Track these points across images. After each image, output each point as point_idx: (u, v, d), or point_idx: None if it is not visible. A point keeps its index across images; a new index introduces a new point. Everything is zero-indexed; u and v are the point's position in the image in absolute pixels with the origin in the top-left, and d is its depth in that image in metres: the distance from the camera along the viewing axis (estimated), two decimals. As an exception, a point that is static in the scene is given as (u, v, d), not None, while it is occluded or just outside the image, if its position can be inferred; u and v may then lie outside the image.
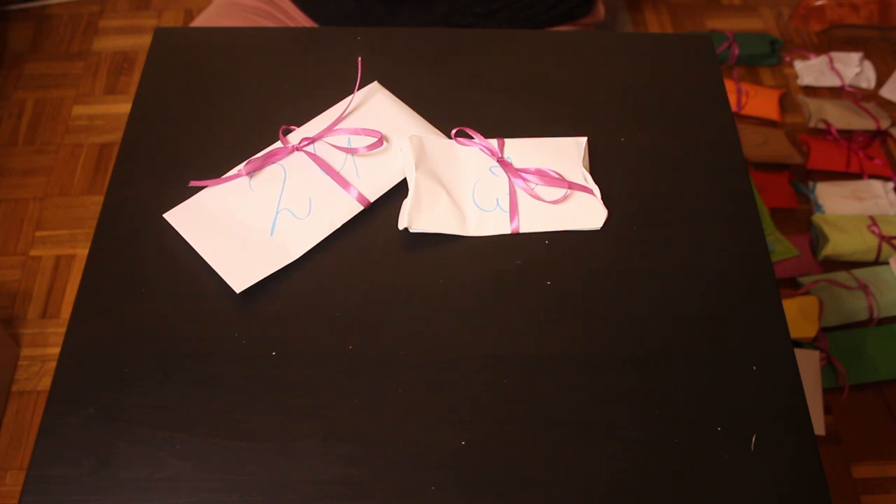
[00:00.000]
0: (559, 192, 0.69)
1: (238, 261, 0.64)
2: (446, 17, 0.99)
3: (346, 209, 0.68)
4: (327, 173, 0.69)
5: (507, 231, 0.68)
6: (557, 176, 0.70)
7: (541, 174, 0.70)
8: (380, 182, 0.70)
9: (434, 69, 0.72)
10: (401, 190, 0.70)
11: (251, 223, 0.67)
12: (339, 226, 0.67)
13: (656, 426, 0.58)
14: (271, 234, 0.66)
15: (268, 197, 0.68)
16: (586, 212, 0.69)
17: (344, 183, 0.69)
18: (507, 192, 0.69)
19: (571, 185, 0.69)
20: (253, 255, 0.65)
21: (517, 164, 0.71)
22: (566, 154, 0.72)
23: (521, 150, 0.72)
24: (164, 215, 0.67)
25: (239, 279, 0.63)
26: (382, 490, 0.55)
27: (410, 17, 1.00)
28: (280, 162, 0.70)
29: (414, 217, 0.66)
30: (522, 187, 0.69)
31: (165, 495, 0.54)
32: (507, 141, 0.72)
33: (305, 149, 0.70)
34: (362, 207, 0.68)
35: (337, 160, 0.70)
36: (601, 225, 0.68)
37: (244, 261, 0.64)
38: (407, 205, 0.67)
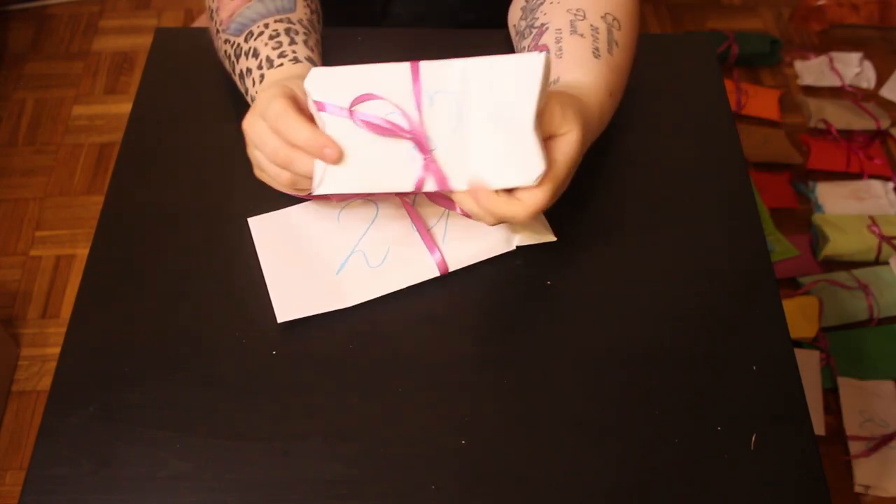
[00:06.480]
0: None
1: (294, 290, 0.62)
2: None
3: (422, 271, 0.63)
4: (417, 229, 0.64)
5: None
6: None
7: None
8: (465, 253, 0.64)
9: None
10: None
11: (324, 256, 0.64)
12: (405, 287, 0.63)
13: (656, 426, 0.58)
14: (337, 274, 0.63)
15: (349, 233, 0.65)
16: (514, 161, 0.54)
17: (430, 243, 0.64)
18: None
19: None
20: (311, 289, 0.62)
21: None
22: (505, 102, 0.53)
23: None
24: (248, 220, 0.65)
25: (286, 309, 0.61)
26: (382, 490, 0.55)
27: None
28: (376, 199, 0.65)
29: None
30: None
31: (165, 495, 0.54)
32: (423, 66, 0.54)
33: (406, 199, 0.65)
34: (438, 274, 0.63)
35: (433, 216, 0.65)
36: (535, 179, 0.54)
37: (300, 292, 0.62)
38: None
